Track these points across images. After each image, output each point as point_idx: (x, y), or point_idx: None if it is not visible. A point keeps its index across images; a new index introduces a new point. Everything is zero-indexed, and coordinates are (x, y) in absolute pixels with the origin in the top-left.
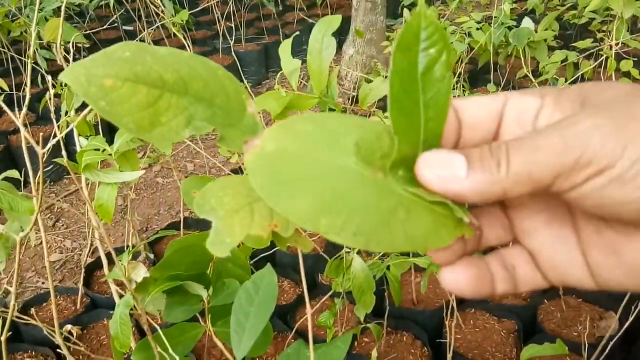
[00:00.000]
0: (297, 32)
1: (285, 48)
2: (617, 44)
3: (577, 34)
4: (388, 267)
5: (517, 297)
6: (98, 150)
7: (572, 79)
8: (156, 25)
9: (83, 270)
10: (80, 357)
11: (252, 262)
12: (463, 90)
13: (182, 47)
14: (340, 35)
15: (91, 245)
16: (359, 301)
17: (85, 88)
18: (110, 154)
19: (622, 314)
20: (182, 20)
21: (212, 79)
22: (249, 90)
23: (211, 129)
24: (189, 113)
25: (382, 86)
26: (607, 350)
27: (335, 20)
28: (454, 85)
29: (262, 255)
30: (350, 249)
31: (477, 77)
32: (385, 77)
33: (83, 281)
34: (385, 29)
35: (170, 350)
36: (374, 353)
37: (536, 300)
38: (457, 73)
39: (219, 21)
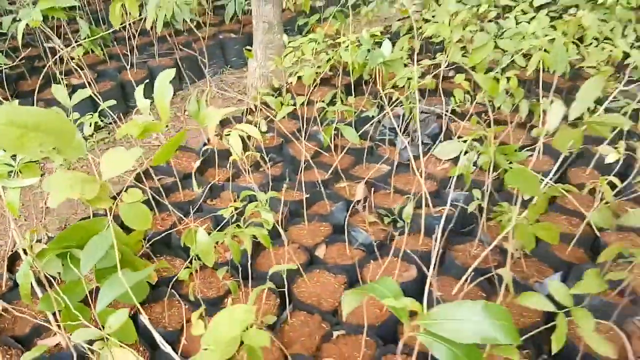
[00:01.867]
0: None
1: (139, 91)
2: (447, 65)
3: (440, 49)
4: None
5: (349, 259)
6: (8, 164)
7: (415, 89)
8: (73, 45)
9: (6, 260)
10: (6, 324)
11: (149, 243)
12: (341, 100)
13: (102, 62)
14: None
15: (13, 241)
16: (205, 260)
17: None
18: (12, 167)
19: (423, 262)
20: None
21: (56, 121)
22: None
23: (55, 150)
24: (41, 141)
25: (220, 113)
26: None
27: (170, 74)
28: (333, 95)
29: (157, 239)
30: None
31: (355, 88)
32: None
33: (6, 269)
34: (283, 47)
35: (67, 300)
36: (229, 301)
37: (363, 262)
38: (336, 85)
39: (132, 38)
